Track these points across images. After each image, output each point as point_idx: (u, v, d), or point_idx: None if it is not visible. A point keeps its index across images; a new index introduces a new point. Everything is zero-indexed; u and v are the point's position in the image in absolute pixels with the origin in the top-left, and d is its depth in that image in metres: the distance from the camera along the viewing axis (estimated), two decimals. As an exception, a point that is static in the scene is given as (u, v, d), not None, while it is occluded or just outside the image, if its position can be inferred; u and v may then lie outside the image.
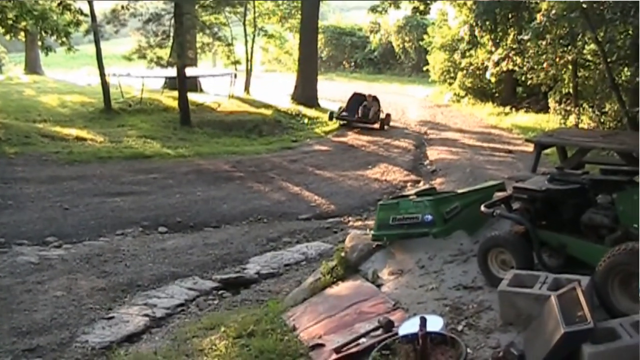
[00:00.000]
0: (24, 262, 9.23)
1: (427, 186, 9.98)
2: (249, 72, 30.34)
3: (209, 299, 8.43)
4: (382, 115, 23.96)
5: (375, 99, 24.33)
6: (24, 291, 8.22)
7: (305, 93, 27.58)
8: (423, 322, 4.61)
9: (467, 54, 26.36)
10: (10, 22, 22.95)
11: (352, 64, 46.33)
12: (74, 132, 18.56)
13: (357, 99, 24.63)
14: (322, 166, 16.96)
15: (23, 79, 33.90)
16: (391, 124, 24.08)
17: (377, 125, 23.38)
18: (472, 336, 5.32)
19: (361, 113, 23.59)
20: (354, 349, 5.47)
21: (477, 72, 27.09)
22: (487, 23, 19.41)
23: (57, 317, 7.55)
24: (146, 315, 7.73)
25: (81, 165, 15.16)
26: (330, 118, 24.28)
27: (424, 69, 34.41)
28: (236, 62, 28.99)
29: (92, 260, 9.49)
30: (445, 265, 6.92)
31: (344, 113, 24.30)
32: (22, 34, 25.11)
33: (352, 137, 21.82)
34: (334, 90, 31.68)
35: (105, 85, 22.65)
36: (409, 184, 15.02)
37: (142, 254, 9.81)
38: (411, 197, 7.92)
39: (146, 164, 15.86)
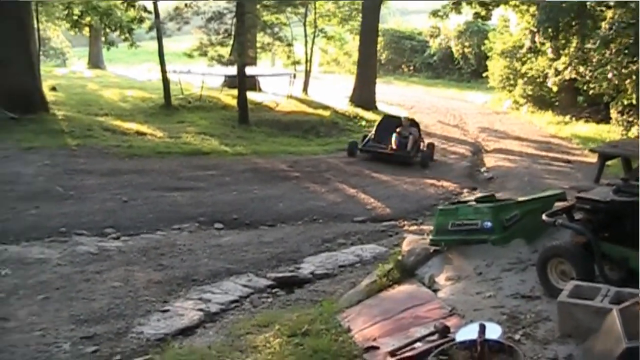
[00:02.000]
0: (83, 251, 9.38)
1: (486, 193, 9.88)
2: (307, 73, 30.37)
3: (263, 296, 8.45)
4: (424, 146, 18.58)
5: (413, 123, 18.96)
6: (83, 280, 8.35)
7: (364, 96, 27.51)
8: (482, 329, 4.57)
9: (528, 61, 26.09)
10: (75, 17, 23.46)
11: (411, 68, 46.10)
12: (134, 126, 18.84)
13: (388, 124, 18.87)
14: (378, 169, 16.91)
15: (86, 73, 34.50)
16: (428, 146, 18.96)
17: (417, 159, 17.93)
18: (529, 346, 5.24)
19: (396, 143, 17.96)
20: (409, 353, 5.43)
21: (538, 80, 26.75)
22: (549, 30, 19.15)
23: (114, 307, 7.64)
24: (201, 309, 7.77)
25: (140, 160, 15.37)
26: (351, 152, 18.33)
27: (483, 75, 34.11)
28: (296, 63, 29.12)
29: (149, 253, 9.59)
30: (503, 273, 6.84)
31: (370, 143, 18.53)
32: (87, 29, 25.66)
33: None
34: (392, 94, 31.62)
35: (165, 82, 22.91)
36: (465, 190, 14.91)
37: (198, 249, 9.89)
38: (470, 203, 7.86)
39: (204, 160, 16.00)
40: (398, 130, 18.23)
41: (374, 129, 19.35)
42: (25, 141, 15.43)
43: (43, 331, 6.88)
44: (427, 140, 19.24)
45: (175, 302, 7.94)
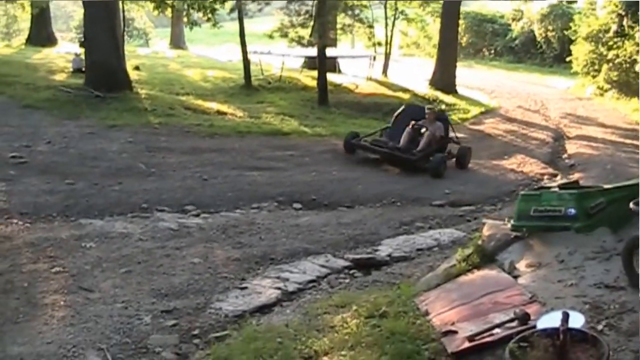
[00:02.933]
0: (164, 227, 9.54)
1: (571, 179, 9.65)
2: (387, 55, 30.23)
3: (340, 277, 8.46)
4: (450, 149, 15.43)
5: (440, 116, 16.05)
6: (164, 255, 8.49)
7: (444, 79, 27.28)
8: (565, 317, 4.48)
9: (614, 45, 25.41)
10: (160, -1, 23.82)
11: (492, 51, 45.44)
12: (214, 106, 19.06)
13: (412, 114, 15.75)
14: (456, 153, 16.74)
15: (168, 53, 35.01)
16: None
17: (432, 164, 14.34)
18: (613, 337, 5.12)
19: (405, 139, 14.77)
20: (488, 339, 5.38)
21: (624, 65, 26.03)
22: (638, 13, 18.58)
23: (193, 282, 7.76)
24: (278, 288, 7.83)
25: (221, 139, 15.54)
26: (348, 146, 15.25)
27: (567, 59, 33.37)
28: (376, 45, 28.99)
29: (228, 230, 9.70)
30: (586, 262, 6.69)
31: (378, 138, 15.60)
32: (169, 10, 26.00)
33: (489, 125, 21.45)
34: (472, 78, 31.23)
35: (246, 62, 23.13)
36: (545, 177, 14.66)
37: (276, 229, 9.95)
38: (554, 190, 7.71)
39: (284, 140, 16.11)
40: (413, 123, 15.01)
41: (393, 119, 16.25)
42: (109, 119, 15.76)
43: (125, 303, 7.03)
44: (463, 140, 16.55)
45: (253, 280, 8.02)
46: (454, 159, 15.24)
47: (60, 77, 21.01)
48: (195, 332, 6.63)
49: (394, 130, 15.56)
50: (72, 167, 11.94)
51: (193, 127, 16.07)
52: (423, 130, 14.96)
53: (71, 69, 21.87)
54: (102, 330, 6.40)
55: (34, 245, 8.44)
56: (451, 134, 15.89)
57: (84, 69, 20.34)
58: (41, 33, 32.48)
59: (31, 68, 22.26)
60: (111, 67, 18.76)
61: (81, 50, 22.57)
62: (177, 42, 41.13)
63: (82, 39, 24.09)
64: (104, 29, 18.81)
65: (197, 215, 10.33)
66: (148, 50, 36.11)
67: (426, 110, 15.68)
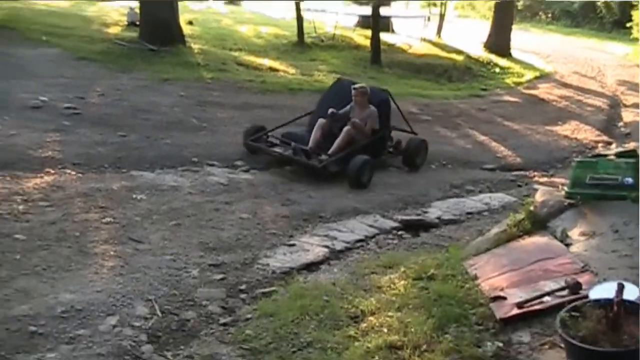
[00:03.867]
0: (214, 182, 9.59)
1: (627, 148, 9.40)
2: (442, 16, 29.79)
3: (389, 238, 8.44)
4: (398, 144, 11.92)
5: (377, 97, 11.53)
6: (213, 209, 8.54)
7: (499, 42, 26.82)
8: (620, 288, 4.37)
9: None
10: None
11: (549, 15, 44.49)
12: (267, 62, 19.01)
13: (340, 93, 11.75)
14: (510, 117, 16.53)
15: (221, 9, 34.92)
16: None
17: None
18: (668, 310, 5.00)
19: (315, 137, 10.87)
20: (537, 307, 5.30)
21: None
22: None
23: (241, 237, 7.80)
24: (326, 246, 7.84)
25: (272, 95, 15.51)
26: (247, 145, 11.09)
27: (627, 25, 32.54)
28: (431, 5, 28.59)
29: (277, 187, 9.72)
30: (642, 233, 6.54)
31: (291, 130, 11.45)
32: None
33: (543, 90, 21.07)
34: (528, 42, 30.63)
35: (300, 20, 22.98)
36: (600, 144, 14.38)
37: (325, 187, 9.93)
38: (611, 157, 7.53)
39: (335, 98, 15.99)
40: (331, 111, 11.02)
41: (319, 101, 12.39)
42: (162, 72, 15.80)
43: (174, 256, 7.09)
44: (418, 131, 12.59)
45: (301, 237, 8.04)
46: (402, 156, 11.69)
47: (114, 30, 21.10)
48: (242, 287, 6.67)
49: (315, 118, 11.42)
50: (124, 120, 12.02)
51: (245, 83, 16.05)
52: (344, 123, 10.98)
53: (126, 22, 21.95)
54: (151, 281, 6.47)
55: (86, 195, 8.54)
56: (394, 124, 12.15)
57: (138, 23, 20.38)
58: (97, -15, 32.64)
59: (86, 21, 22.40)
60: (165, 21, 18.77)
61: (136, 4, 22.62)
62: (231, -4, 41.06)
63: (136, -7, 24.15)
64: (158, -20, 18.85)
65: (247, 171, 10.35)
66: (202, 5, 36.00)
67: (353, 92, 11.17)
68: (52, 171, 9.26)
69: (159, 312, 5.95)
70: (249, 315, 5.94)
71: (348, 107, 11.23)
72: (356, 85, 11.39)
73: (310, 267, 7.29)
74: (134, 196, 8.67)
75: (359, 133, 10.93)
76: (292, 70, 18.47)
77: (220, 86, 15.52)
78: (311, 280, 6.81)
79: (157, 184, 9.26)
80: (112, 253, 7.01)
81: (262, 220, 8.38)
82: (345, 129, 10.81)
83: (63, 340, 5.38)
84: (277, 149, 10.81)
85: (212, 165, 10.38)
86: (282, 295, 6.31)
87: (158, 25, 18.50)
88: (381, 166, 11.09)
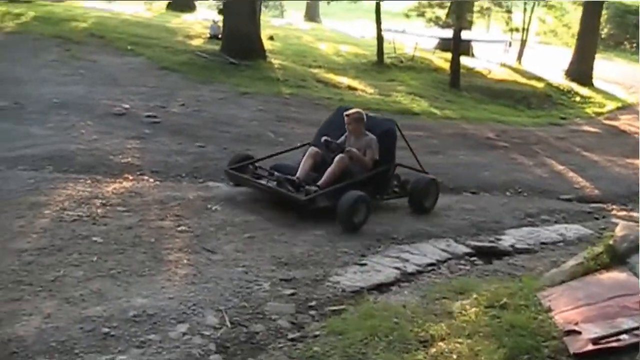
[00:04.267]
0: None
1: None
2: (523, 42, 29.52)
3: (461, 263, 8.33)
4: (396, 182, 10.24)
5: (378, 126, 10.08)
6: (286, 225, 8.55)
7: (581, 70, 26.41)
8: None
9: None
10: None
11: (634, 45, 43.59)
12: (345, 80, 19.10)
13: (338, 124, 10.08)
14: (589, 148, 16.21)
15: (302, 25, 35.28)
16: None
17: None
18: None
19: (304, 167, 9.42)
20: (614, 344, 5.15)
21: None
22: None
23: (313, 254, 7.79)
24: (397, 268, 7.77)
25: (350, 114, 15.51)
26: (230, 176, 9.72)
27: None
28: (514, 30, 28.33)
29: (351, 206, 9.69)
30: None
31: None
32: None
33: (624, 122, 20.64)
34: (611, 71, 30.04)
35: (380, 39, 23.04)
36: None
37: (399, 208, 9.88)
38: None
39: (412, 120, 15.95)
40: (324, 139, 9.63)
41: (318, 130, 10.79)
42: (242, 86, 16.02)
43: (246, 268, 7.13)
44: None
45: (373, 257, 7.98)
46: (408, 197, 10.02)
47: (197, 42, 21.51)
48: (312, 303, 6.65)
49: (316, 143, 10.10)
50: (203, 130, 12.21)
51: (323, 100, 16.14)
52: (337, 153, 9.43)
53: (208, 35, 22.36)
54: (222, 292, 6.51)
55: (162, 202, 8.69)
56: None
57: (220, 36, 20.76)
58: (181, -1, 33.39)
59: (170, 32, 22.89)
60: (247, 35, 19.08)
61: (219, 18, 23.02)
62: (311, 15, 41.46)
63: (221, 7, 24.56)
64: (243, -1, 19.17)
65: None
66: (282, 22, 36.45)
67: (345, 118, 9.78)
68: (131, 177, 9.46)
69: (228, 323, 5.98)
70: (317, 332, 5.92)
71: (343, 137, 9.82)
72: (349, 111, 9.85)
73: (381, 287, 7.23)
74: (209, 207, 8.78)
75: (355, 164, 9.45)
76: (370, 90, 18.51)
77: (298, 102, 15.65)
78: (381, 301, 6.76)
79: (232, 196, 9.35)
80: (185, 261, 7.10)
81: (335, 238, 8.36)
82: (339, 157, 9.25)
83: (134, 343, 5.47)
84: (262, 181, 9.33)
85: (288, 180, 10.42)
86: (351, 314, 6.26)
87: (240, 39, 18.80)
88: (386, 208, 9.95)
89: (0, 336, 5.36)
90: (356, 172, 9.39)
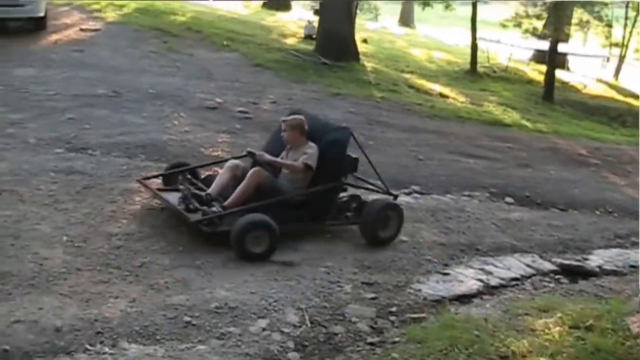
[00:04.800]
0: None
1: None
2: (621, 58, 28.77)
3: (545, 280, 8.16)
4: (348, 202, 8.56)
5: (334, 142, 8.10)
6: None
7: (681, 90, 25.61)
8: None
9: None
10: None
11: None
12: (437, 88, 18.98)
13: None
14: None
15: (395, 30, 35.18)
16: None
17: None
18: None
19: (219, 182, 7.82)
20: None
21: None
22: None
23: (396, 260, 7.75)
24: (480, 280, 7.68)
25: (440, 121, 15.42)
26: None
27: None
28: (613, 45, 27.70)
29: (437, 214, 9.60)
30: None
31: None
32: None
33: None
34: None
35: (474, 48, 22.82)
36: None
37: (485, 220, 9.74)
38: None
39: (503, 131, 15.73)
40: (249, 150, 8.07)
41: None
42: (333, 87, 16.08)
43: (328, 269, 7.16)
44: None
45: (456, 268, 7.91)
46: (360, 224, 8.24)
47: (291, 41, 21.69)
48: (393, 309, 6.63)
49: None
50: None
51: (414, 106, 16.07)
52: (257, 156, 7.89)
53: (302, 35, 22.52)
54: (303, 290, 6.56)
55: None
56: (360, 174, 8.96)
57: (314, 36, 20.90)
58: (278, -3, 33.76)
59: (265, 29, 23.14)
60: (341, 37, 19.14)
61: (314, 18, 23.16)
62: (406, 20, 41.34)
63: (317, 7, 24.72)
64: (340, 0, 19.22)
65: (409, 194, 10.31)
66: (376, 25, 36.43)
67: (282, 125, 8.24)
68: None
69: (308, 322, 6.01)
70: (397, 339, 5.89)
71: (284, 152, 8.25)
72: (287, 117, 8.32)
73: (463, 298, 7.16)
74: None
75: (290, 181, 7.98)
76: (461, 98, 18.35)
77: (389, 106, 15.60)
78: (462, 312, 6.68)
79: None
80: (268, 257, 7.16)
81: (419, 245, 8.31)
82: (251, 170, 7.67)
83: (214, 334, 5.56)
84: (167, 195, 7.84)
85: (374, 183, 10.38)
86: (431, 323, 6.22)
87: (334, 40, 18.88)
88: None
89: (87, 315, 5.55)
90: (285, 190, 7.84)
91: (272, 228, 7.11)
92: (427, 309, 6.74)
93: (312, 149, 7.95)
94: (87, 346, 5.18)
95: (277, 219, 7.16)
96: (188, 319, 5.69)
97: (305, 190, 7.94)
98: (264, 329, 5.76)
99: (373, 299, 6.74)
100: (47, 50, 15.57)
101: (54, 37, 17.03)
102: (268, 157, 7.88)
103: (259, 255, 7.07)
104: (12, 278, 6.02)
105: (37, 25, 17.00)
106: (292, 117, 8.23)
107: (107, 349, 5.18)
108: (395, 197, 8.89)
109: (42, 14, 16.79)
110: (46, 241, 6.84)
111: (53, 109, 11.35)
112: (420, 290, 7.13)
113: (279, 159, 8.04)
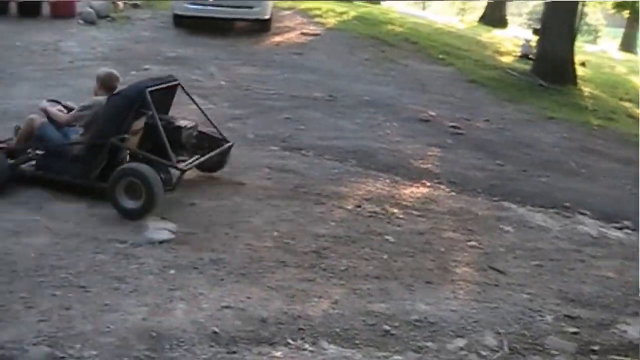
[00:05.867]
0: (584, 232, 9.21)
1: None
2: None
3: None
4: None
5: (118, 92, 7.74)
6: (578, 260, 8.22)
7: None
8: None
9: None
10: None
11: None
12: (656, 120, 18.00)
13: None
14: None
15: (615, 54, 33.80)
16: None
17: None
18: None
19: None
20: None
21: None
22: None
23: (603, 296, 7.41)
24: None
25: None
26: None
27: None
28: None
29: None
30: None
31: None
32: (627, 11, 25.01)
33: None
34: None
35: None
36: None
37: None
38: None
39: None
40: (50, 99, 8.60)
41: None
42: (548, 110, 15.66)
43: (531, 296, 6.96)
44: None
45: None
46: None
47: (506, 59, 21.34)
48: (595, 347, 6.33)
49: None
50: (503, 149, 12.10)
51: (632, 137, 15.31)
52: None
53: (519, 54, 22.09)
54: (504, 315, 6.42)
55: (455, 214, 8.75)
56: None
57: (531, 56, 20.45)
58: (495, 14, 33.41)
59: (480, 45, 22.91)
60: (561, 59, 18.62)
61: (532, 37, 22.66)
62: (627, 45, 39.50)
63: (536, 27, 24.17)
64: (562, 21, 18.75)
65: (620, 229, 9.84)
66: (595, 48, 35.11)
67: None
68: (428, 184, 9.63)
69: (506, 348, 5.89)
70: (599, 378, 5.67)
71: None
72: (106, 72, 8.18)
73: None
74: (501, 227, 8.69)
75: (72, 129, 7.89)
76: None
77: (605, 135, 14.97)
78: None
79: (526, 220, 9.17)
80: (471, 277, 7.09)
81: (628, 283, 7.91)
82: (27, 117, 8.01)
83: (411, 347, 5.58)
84: None
85: (584, 214, 9.97)
86: (634, 369, 5.94)
87: (553, 62, 18.40)
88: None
89: (291, 310, 5.75)
90: (56, 140, 7.73)
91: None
92: (632, 353, 6.41)
93: (91, 101, 7.83)
94: (289, 340, 5.36)
95: (48, 168, 7.53)
96: (387, 327, 5.75)
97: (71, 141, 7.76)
98: (461, 348, 5.70)
99: (575, 333, 6.47)
100: (270, 51, 16.27)
101: (277, 39, 17.79)
102: (43, 104, 8.06)
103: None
104: (225, 265, 6.36)
105: (263, 27, 17.87)
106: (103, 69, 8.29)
107: (307, 346, 5.34)
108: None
109: (267, 17, 17.60)
110: (258, 234, 7.16)
111: (271, 107, 11.85)
112: (626, 332, 6.76)
113: (53, 109, 8.01)
